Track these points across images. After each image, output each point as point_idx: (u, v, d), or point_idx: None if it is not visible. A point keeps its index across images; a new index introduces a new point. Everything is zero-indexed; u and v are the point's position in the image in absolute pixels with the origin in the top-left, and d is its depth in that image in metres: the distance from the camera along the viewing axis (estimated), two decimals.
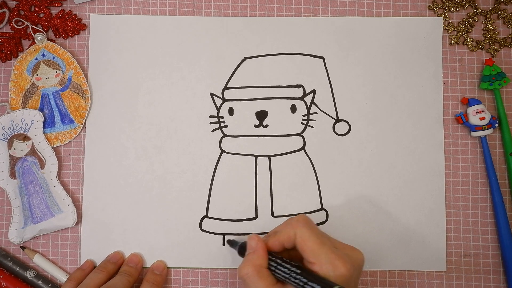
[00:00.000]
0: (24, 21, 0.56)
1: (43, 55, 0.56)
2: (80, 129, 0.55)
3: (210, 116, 0.56)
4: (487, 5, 0.58)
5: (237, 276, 0.46)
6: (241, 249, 0.50)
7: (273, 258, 0.45)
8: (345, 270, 0.42)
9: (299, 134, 0.56)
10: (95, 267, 0.53)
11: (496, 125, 0.55)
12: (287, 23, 0.57)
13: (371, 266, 0.54)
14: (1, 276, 0.53)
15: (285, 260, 0.45)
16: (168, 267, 0.55)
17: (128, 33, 0.56)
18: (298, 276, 0.43)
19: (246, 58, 0.56)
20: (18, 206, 0.54)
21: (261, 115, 0.55)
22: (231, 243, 0.53)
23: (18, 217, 0.54)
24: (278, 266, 0.45)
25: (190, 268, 0.55)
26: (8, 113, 0.54)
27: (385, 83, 0.56)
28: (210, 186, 0.55)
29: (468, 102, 0.56)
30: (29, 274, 0.54)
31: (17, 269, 0.54)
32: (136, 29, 0.56)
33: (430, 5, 0.57)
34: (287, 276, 0.43)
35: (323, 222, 0.55)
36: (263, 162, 0.55)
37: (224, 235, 0.55)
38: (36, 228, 0.53)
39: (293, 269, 0.43)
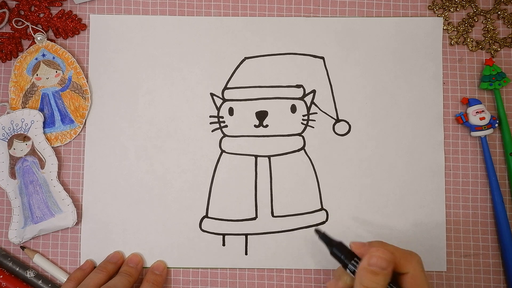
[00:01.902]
0: (24, 21, 0.56)
1: (43, 55, 0.56)
2: (80, 129, 0.55)
3: (210, 116, 0.56)
4: (487, 5, 0.58)
5: None
6: (328, 241, 0.47)
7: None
8: None
9: (299, 134, 0.56)
10: (95, 267, 0.54)
11: (496, 125, 0.55)
12: (287, 23, 0.57)
13: None
14: (1, 276, 0.53)
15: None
16: (168, 267, 0.55)
17: (128, 33, 0.56)
18: None
19: (246, 58, 0.56)
20: (18, 206, 0.54)
21: (261, 115, 0.55)
22: (320, 234, 0.48)
23: (18, 217, 0.54)
24: None
25: (190, 268, 0.55)
26: (8, 113, 0.54)
27: (385, 83, 0.56)
28: (210, 186, 0.55)
29: (468, 102, 0.56)
30: (29, 274, 0.54)
31: (17, 269, 0.54)
32: (136, 29, 0.56)
33: (430, 5, 0.57)
34: None
35: (323, 222, 0.55)
36: (263, 162, 0.55)
37: (224, 235, 0.55)
38: (36, 228, 0.53)
39: None
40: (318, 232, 0.48)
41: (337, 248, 0.46)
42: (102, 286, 0.49)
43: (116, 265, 0.53)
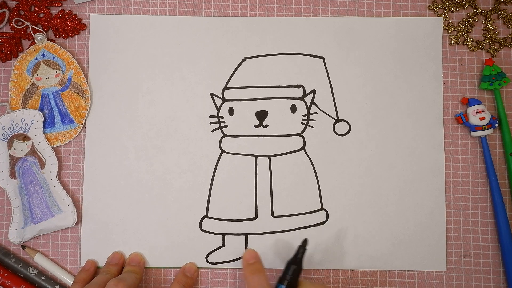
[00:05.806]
0: (24, 21, 0.56)
1: (43, 55, 0.56)
2: (80, 129, 0.55)
3: (210, 116, 0.56)
4: (487, 5, 0.58)
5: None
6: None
7: None
8: None
9: (299, 134, 0.56)
10: (97, 267, 0.54)
11: (496, 125, 0.55)
12: (287, 23, 0.57)
13: (371, 266, 0.54)
14: (6, 275, 0.53)
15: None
16: (168, 267, 0.55)
17: (128, 33, 0.56)
18: None
19: (246, 58, 0.56)
20: (18, 206, 0.54)
21: (261, 115, 0.55)
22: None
23: (18, 217, 0.54)
24: None
25: None
26: (8, 113, 0.54)
27: (385, 83, 0.56)
28: (210, 186, 0.55)
29: (468, 102, 0.56)
30: (32, 271, 0.54)
31: (19, 265, 0.54)
32: (136, 29, 0.56)
33: (430, 5, 0.57)
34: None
35: (323, 222, 0.55)
36: (263, 162, 0.55)
37: (224, 235, 0.55)
38: (36, 228, 0.53)
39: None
40: (304, 243, 0.50)
41: (291, 267, 0.49)
42: (113, 278, 0.49)
43: (118, 266, 0.53)
